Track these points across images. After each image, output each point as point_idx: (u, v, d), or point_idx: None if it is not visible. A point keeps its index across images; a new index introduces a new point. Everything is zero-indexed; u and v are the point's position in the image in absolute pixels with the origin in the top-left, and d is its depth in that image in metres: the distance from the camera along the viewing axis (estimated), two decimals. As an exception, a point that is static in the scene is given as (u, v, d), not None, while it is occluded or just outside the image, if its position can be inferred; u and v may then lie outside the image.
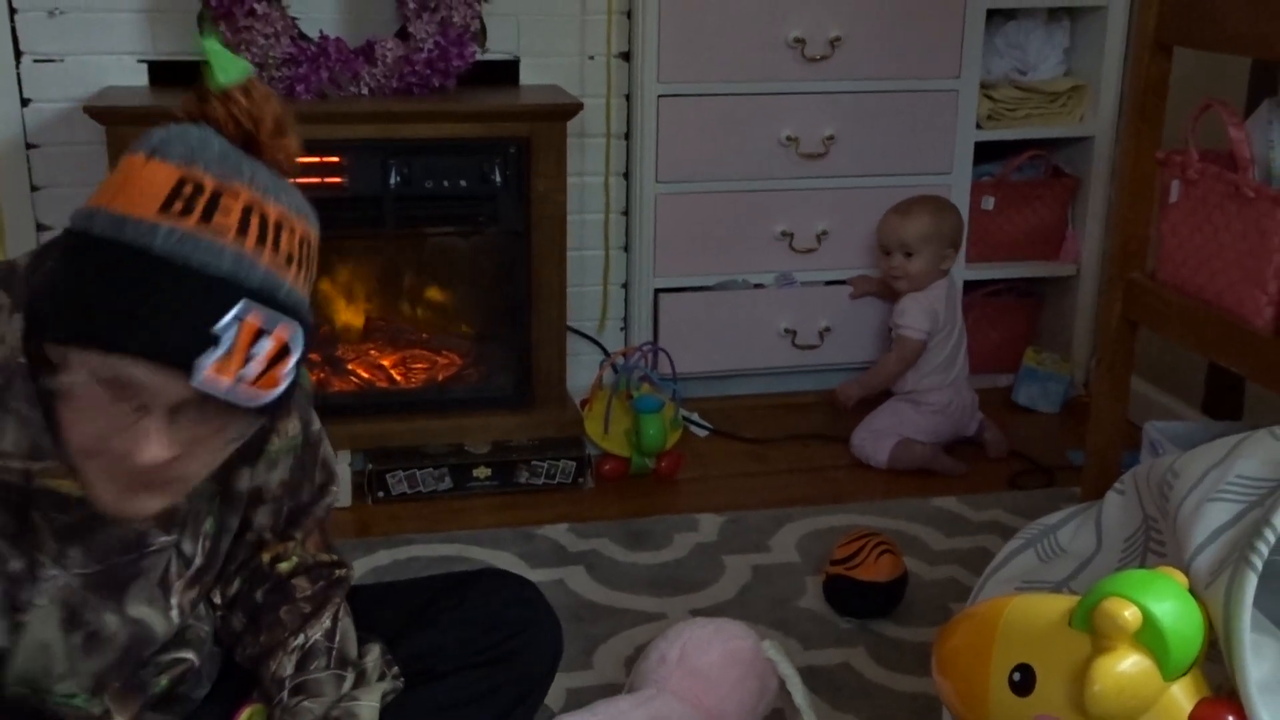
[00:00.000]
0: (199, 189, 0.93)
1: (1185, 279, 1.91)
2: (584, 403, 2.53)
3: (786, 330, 2.79)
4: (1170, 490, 1.28)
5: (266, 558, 1.27)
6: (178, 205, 0.92)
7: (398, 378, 2.55)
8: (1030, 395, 2.87)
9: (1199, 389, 2.58)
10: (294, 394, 1.03)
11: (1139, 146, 1.98)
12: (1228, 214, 1.81)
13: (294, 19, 2.38)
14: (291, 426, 1.22)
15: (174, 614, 1.16)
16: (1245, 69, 2.36)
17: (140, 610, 1.13)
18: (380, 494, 2.35)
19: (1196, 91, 2.10)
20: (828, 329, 2.80)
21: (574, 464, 2.41)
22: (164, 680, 1.18)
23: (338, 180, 2.31)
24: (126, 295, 0.90)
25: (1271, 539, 1.13)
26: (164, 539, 1.13)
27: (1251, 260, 1.76)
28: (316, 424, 1.28)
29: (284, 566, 1.27)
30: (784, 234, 2.76)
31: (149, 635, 1.14)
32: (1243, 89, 2.36)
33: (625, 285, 2.78)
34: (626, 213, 2.74)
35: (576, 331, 2.72)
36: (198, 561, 1.18)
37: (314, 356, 2.55)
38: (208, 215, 0.92)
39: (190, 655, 1.20)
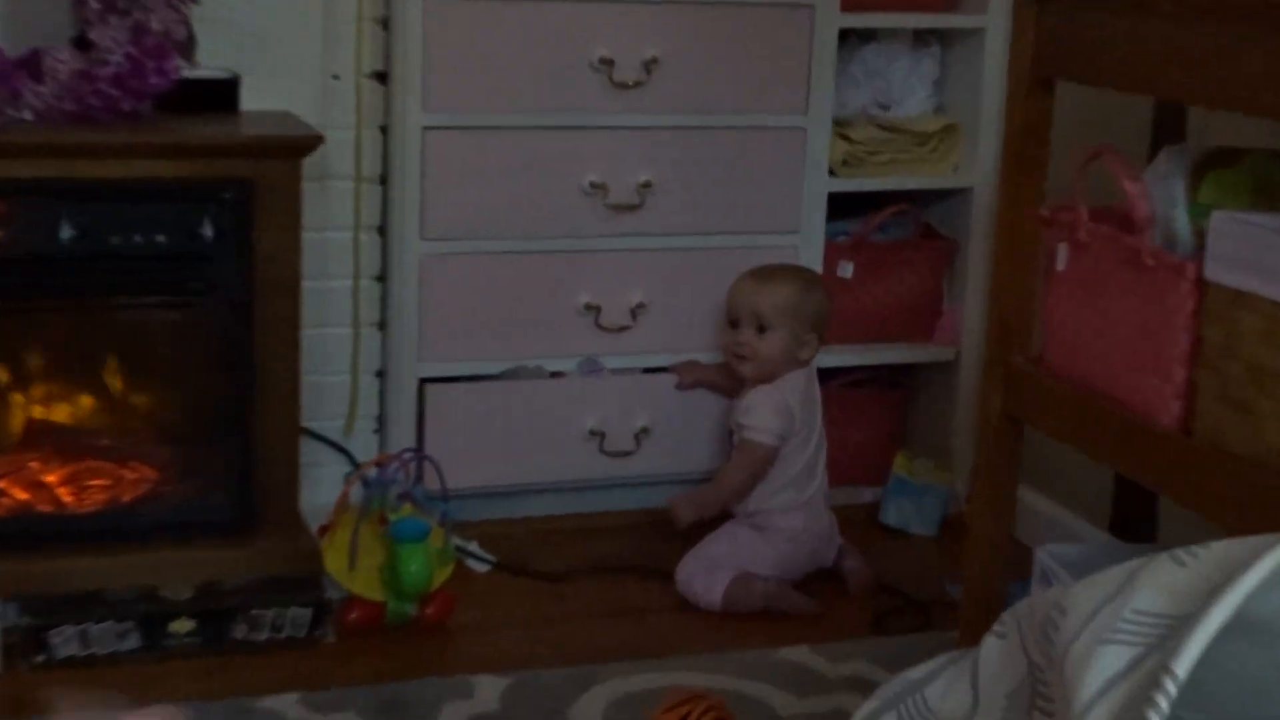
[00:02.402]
0: None
1: (1076, 365, 1.96)
2: (324, 529, 2.50)
3: (593, 432, 2.80)
4: (1056, 631, 1.30)
5: None
6: None
7: (67, 499, 2.49)
8: (901, 513, 2.93)
9: (1105, 503, 2.66)
10: None
11: (1017, 202, 2.04)
12: (1124, 285, 1.87)
13: (-70, 18, 2.35)
14: None
15: None
16: (1149, 108, 2.49)
17: None
18: (39, 658, 2.28)
19: (1094, 136, 2.19)
20: (646, 430, 2.82)
21: (308, 612, 2.38)
22: None
23: (-12, 233, 2.27)
24: None
25: (1173, 691, 1.15)
26: None
27: (1152, 342, 1.82)
28: None
29: None
30: (589, 307, 2.78)
31: None
32: (1146, 133, 2.49)
33: (380, 374, 2.76)
34: (383, 279, 2.73)
35: (314, 435, 2.69)
36: None
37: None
38: None
39: None
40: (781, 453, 2.64)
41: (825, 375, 2.88)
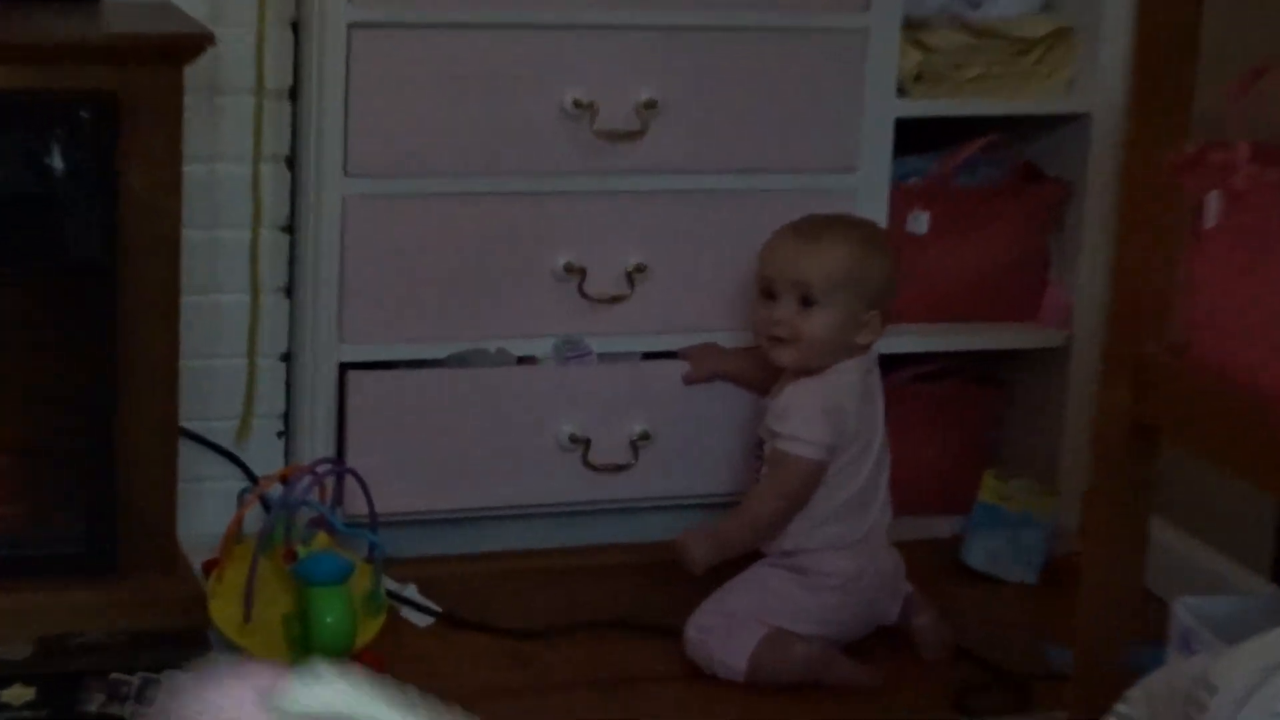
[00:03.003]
0: None
1: (1229, 356, 1.96)
2: (210, 565, 2.49)
3: (574, 439, 2.78)
4: (1202, 713, 1.34)
5: None
6: None
7: None
8: (991, 553, 2.91)
9: (1266, 542, 2.64)
10: None
11: (1150, 134, 2.03)
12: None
13: None
14: None
15: None
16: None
17: None
18: None
19: (1257, 48, 2.19)
20: (646, 437, 2.81)
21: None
22: None
23: None
24: None
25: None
26: None
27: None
28: None
29: None
30: (570, 270, 2.76)
31: None
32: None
33: (287, 358, 2.76)
34: (292, 229, 2.73)
35: (198, 439, 2.70)
36: None
37: None
38: None
39: None
40: (830, 470, 2.62)
41: (889, 365, 2.87)
